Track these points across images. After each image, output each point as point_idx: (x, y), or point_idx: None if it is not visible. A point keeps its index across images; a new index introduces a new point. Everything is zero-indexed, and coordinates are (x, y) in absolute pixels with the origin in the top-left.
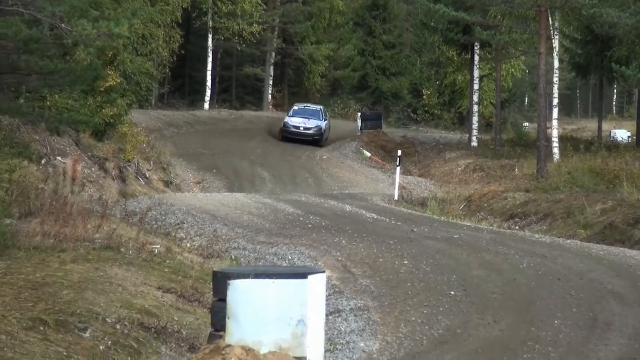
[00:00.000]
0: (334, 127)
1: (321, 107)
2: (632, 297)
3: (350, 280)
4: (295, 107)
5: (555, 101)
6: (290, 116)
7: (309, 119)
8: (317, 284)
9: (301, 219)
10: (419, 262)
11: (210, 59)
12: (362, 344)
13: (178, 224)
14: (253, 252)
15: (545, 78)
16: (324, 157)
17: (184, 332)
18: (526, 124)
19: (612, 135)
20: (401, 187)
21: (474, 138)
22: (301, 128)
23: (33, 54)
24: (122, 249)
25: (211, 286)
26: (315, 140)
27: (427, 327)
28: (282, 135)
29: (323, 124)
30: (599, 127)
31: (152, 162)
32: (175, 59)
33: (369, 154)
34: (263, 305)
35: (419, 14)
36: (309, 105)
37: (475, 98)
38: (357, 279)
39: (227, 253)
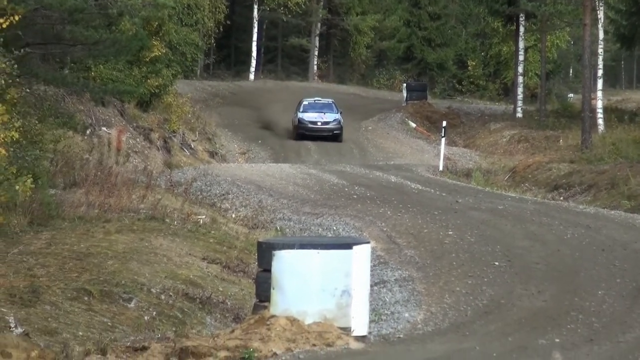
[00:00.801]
0: (379, 98)
1: (332, 100)
2: None
3: (395, 251)
4: (305, 102)
5: (600, 72)
6: (302, 112)
7: (324, 112)
8: (361, 254)
9: (346, 189)
10: (464, 233)
11: (255, 30)
12: (406, 315)
13: (223, 194)
14: (298, 223)
15: (590, 49)
16: (369, 128)
17: (228, 303)
18: (571, 95)
19: None
20: (446, 158)
21: (518, 109)
22: (319, 123)
23: (78, 24)
24: (167, 220)
25: (256, 257)
26: (336, 135)
27: (471, 298)
28: (296, 132)
29: (340, 117)
30: None
31: (197, 133)
32: (220, 29)
33: (414, 125)
34: (308, 275)
35: None
36: (319, 98)
37: (520, 69)
38: (402, 250)
39: (272, 224)
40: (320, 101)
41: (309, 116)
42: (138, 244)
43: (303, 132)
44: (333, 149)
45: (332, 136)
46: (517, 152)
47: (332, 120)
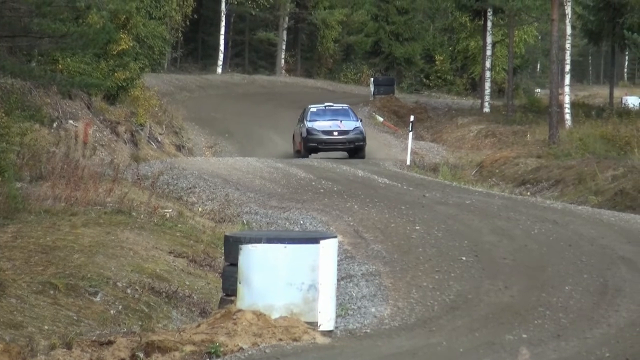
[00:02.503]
0: (347, 93)
1: (347, 105)
2: None
3: (362, 245)
4: (313, 109)
5: (568, 68)
6: (310, 120)
7: (340, 120)
8: (328, 249)
9: (313, 183)
10: (431, 227)
11: (223, 23)
12: (373, 309)
13: (190, 188)
14: (265, 217)
15: (558, 44)
16: None
17: (195, 297)
18: (538, 90)
19: (623, 101)
20: (413, 153)
21: (486, 104)
22: (335, 133)
23: (45, 17)
24: (134, 213)
25: (223, 251)
26: (358, 148)
27: (438, 293)
28: (305, 146)
29: (361, 125)
30: (611, 94)
31: (164, 126)
32: (188, 22)
33: (381, 119)
34: (275, 270)
35: None
36: (330, 104)
37: (488, 64)
38: (369, 244)
39: (239, 217)
40: (332, 106)
41: (320, 125)
42: (104, 237)
43: (314, 146)
44: None
45: (353, 150)
46: (485, 147)
47: (351, 129)
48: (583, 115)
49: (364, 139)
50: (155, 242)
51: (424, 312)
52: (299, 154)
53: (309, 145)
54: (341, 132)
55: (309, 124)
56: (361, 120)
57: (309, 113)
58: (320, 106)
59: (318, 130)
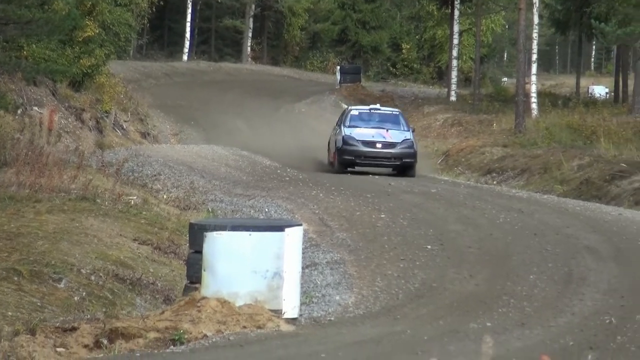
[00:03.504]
0: (313, 81)
1: (397, 110)
2: (607, 252)
3: (327, 233)
4: (354, 112)
5: (535, 57)
6: (348, 126)
7: (386, 128)
8: (293, 237)
9: (278, 171)
10: (396, 216)
11: (189, 11)
12: (337, 297)
13: (155, 175)
14: (230, 205)
15: (525, 34)
16: (303, 110)
17: (159, 284)
18: (505, 79)
19: (590, 91)
20: None
21: (452, 93)
22: (379, 145)
23: (11, 3)
24: (98, 200)
25: (187, 238)
26: (406, 166)
27: (403, 281)
28: (339, 159)
29: (412, 136)
30: (577, 83)
31: (129, 114)
32: (154, 9)
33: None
34: (239, 257)
35: None
36: (377, 106)
37: (455, 53)
38: (333, 232)
39: (204, 205)
40: (378, 110)
41: (361, 133)
42: (69, 224)
43: (351, 160)
44: (266, 131)
45: (400, 168)
46: (451, 136)
47: (399, 141)
48: (549, 104)
49: (414, 155)
50: (120, 229)
51: (389, 301)
52: (332, 166)
53: (344, 159)
54: (386, 145)
55: (346, 131)
56: (414, 131)
57: (349, 116)
58: (364, 109)
59: (357, 140)
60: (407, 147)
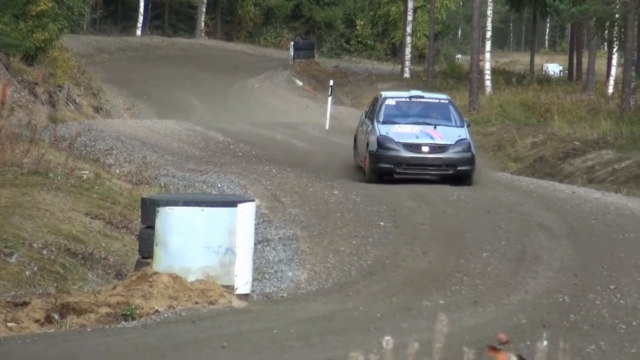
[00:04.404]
0: (267, 56)
1: (447, 97)
2: (560, 230)
3: (279, 209)
4: (389, 101)
5: (489, 34)
6: (382, 122)
7: (434, 125)
8: (246, 212)
9: (231, 147)
10: (349, 192)
11: None
12: (290, 274)
13: (107, 150)
14: (182, 180)
15: (479, 11)
16: (256, 86)
17: (111, 259)
18: (459, 56)
19: (544, 69)
20: (333, 117)
21: (406, 69)
22: (424, 148)
23: None
24: (51, 174)
25: (140, 213)
26: (462, 174)
27: (355, 258)
28: (373, 168)
29: (468, 133)
30: (532, 61)
31: (82, 88)
32: None
33: (301, 84)
34: (191, 233)
35: None
36: (418, 93)
37: (409, 29)
38: (286, 208)
39: (156, 180)
40: (421, 98)
41: (401, 133)
42: (21, 198)
43: (389, 168)
44: (219, 107)
45: (454, 177)
46: None
47: (452, 142)
48: (503, 81)
49: (472, 161)
50: (72, 204)
51: (341, 277)
52: (361, 170)
53: (380, 167)
54: (435, 148)
55: (381, 129)
56: (469, 125)
57: (383, 107)
58: (402, 96)
59: (397, 142)
60: (463, 150)
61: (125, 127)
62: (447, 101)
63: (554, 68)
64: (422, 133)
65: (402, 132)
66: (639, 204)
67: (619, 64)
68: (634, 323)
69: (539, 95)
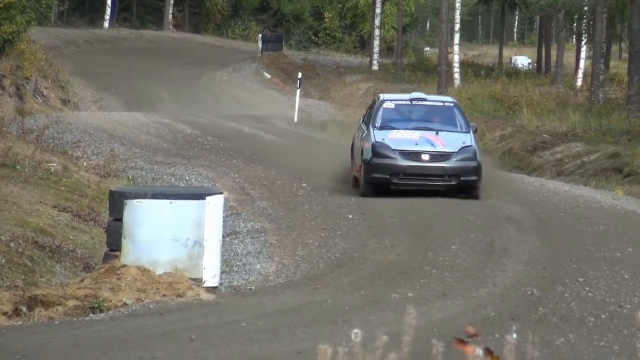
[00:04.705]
0: (235, 49)
1: (451, 100)
2: (529, 223)
3: (248, 202)
4: (387, 104)
5: (457, 27)
6: (379, 127)
7: (436, 130)
8: (214, 205)
9: (200, 139)
10: (318, 185)
11: None
12: (258, 266)
13: (75, 142)
14: (150, 172)
15: (448, 3)
16: (224, 78)
17: (79, 252)
18: (427, 49)
19: (512, 61)
20: (301, 110)
21: (375, 62)
22: (424, 157)
23: None
24: (18, 167)
25: (108, 206)
26: (467, 186)
27: (324, 251)
28: (368, 178)
29: (473, 139)
30: (500, 54)
31: (50, 80)
32: None
33: (269, 76)
34: (160, 225)
35: None
36: (420, 95)
37: (377, 22)
38: (254, 201)
39: (124, 173)
40: (423, 101)
41: (398, 139)
42: None
43: (384, 179)
44: (187, 99)
45: (457, 188)
46: None
47: (456, 149)
48: (472, 74)
49: (477, 170)
50: (40, 196)
51: (310, 270)
52: (357, 182)
53: (374, 178)
54: (436, 156)
55: (377, 135)
56: (475, 131)
57: (381, 111)
58: (403, 99)
59: (393, 150)
60: (468, 158)
61: (93, 119)
62: (452, 104)
63: (522, 61)
64: (423, 139)
65: (400, 139)
66: (607, 197)
67: (587, 57)
68: (603, 316)
69: (508, 88)
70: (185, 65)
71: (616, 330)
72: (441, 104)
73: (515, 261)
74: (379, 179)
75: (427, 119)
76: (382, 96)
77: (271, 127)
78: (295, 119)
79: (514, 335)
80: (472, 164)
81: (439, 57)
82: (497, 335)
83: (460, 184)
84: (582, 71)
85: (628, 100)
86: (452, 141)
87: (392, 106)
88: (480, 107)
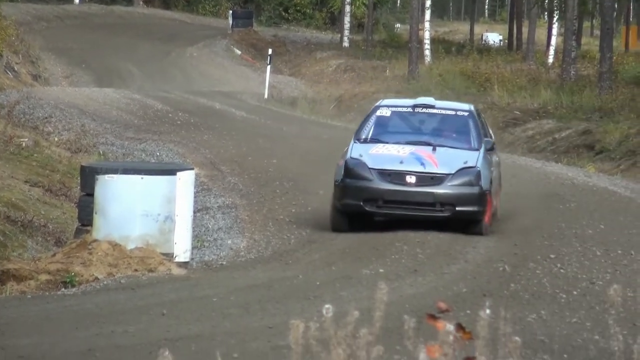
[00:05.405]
0: (205, 25)
1: (470, 108)
2: (501, 200)
3: (218, 177)
4: (382, 110)
5: (428, 3)
6: (360, 140)
7: (433, 145)
8: (185, 180)
9: (170, 115)
10: (289, 161)
11: None
12: (229, 242)
13: (46, 118)
14: (121, 148)
15: None
16: (194, 54)
17: (50, 226)
18: (398, 25)
19: (484, 38)
20: (271, 86)
21: (345, 38)
22: (409, 178)
23: None
24: None
25: (79, 181)
26: (463, 216)
27: (295, 226)
28: (336, 203)
29: (481, 158)
30: (471, 30)
31: (21, 56)
32: None
33: (239, 53)
34: (131, 201)
35: None
36: (428, 101)
37: None
38: (225, 177)
39: (95, 148)
40: (429, 108)
41: (380, 155)
42: None
43: (355, 206)
44: (157, 75)
45: (453, 221)
46: (344, 82)
47: (452, 170)
48: (443, 51)
49: (480, 199)
50: (11, 171)
51: (281, 245)
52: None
53: (345, 204)
54: (424, 178)
55: (354, 150)
56: (491, 148)
57: (373, 119)
58: (404, 105)
59: (370, 169)
60: (467, 182)
61: (64, 95)
62: (467, 113)
63: (493, 37)
64: (411, 157)
65: (382, 155)
66: (579, 174)
67: (559, 34)
68: (575, 292)
69: (479, 64)
70: (156, 41)
71: (588, 306)
72: (452, 112)
73: (486, 238)
74: (351, 206)
75: (431, 131)
76: (381, 101)
77: (242, 103)
78: (266, 96)
79: (487, 311)
80: (472, 190)
81: (410, 33)
82: (468, 312)
83: (456, 216)
84: (553, 48)
85: (600, 77)
86: (450, 160)
87: (388, 114)
88: (451, 84)
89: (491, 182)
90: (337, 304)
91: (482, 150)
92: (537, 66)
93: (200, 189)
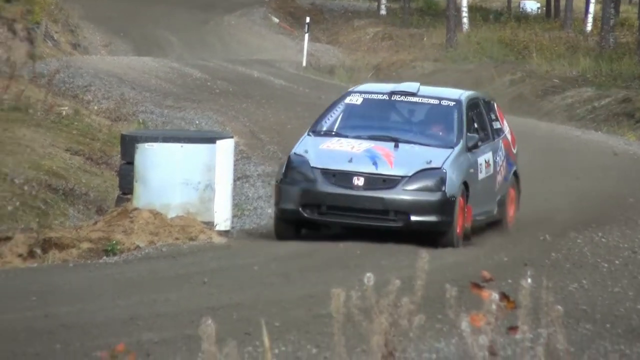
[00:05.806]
0: None
1: (458, 97)
2: (540, 168)
3: (258, 146)
4: (354, 97)
5: None
6: (314, 133)
7: (396, 142)
8: (225, 149)
9: (209, 84)
10: None
11: None
12: (269, 210)
13: (86, 86)
14: (161, 117)
15: None
16: (232, 22)
17: (91, 195)
18: None
19: (521, 6)
20: (309, 54)
21: (382, 6)
22: (356, 180)
23: None
24: (31, 111)
25: (119, 149)
26: (420, 227)
27: None
28: (275, 209)
29: (451, 159)
30: None
31: (60, 25)
32: None
33: (277, 21)
34: (171, 169)
35: None
36: (410, 87)
37: None
38: (265, 145)
39: (134, 117)
40: (407, 95)
41: (329, 151)
42: (1, 134)
43: (292, 212)
44: (196, 44)
45: (406, 230)
46: (381, 50)
47: (409, 172)
48: (481, 19)
49: (441, 206)
50: (52, 140)
51: None
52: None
53: (282, 210)
54: (374, 181)
55: (301, 145)
56: (475, 145)
57: (339, 107)
58: (381, 91)
59: (312, 169)
60: (426, 187)
61: (103, 64)
62: (453, 103)
63: (531, 5)
64: (364, 154)
65: (331, 152)
66: (619, 142)
67: (597, 1)
68: (617, 262)
69: (517, 32)
70: (194, 9)
71: (630, 276)
72: (436, 102)
73: (526, 206)
74: (287, 213)
75: (403, 123)
76: (354, 87)
77: (280, 71)
78: (304, 64)
79: (529, 280)
80: (432, 196)
81: (448, 1)
82: (510, 281)
83: (409, 227)
84: (591, 16)
85: (639, 45)
86: (410, 159)
87: (359, 101)
88: (489, 52)
89: (467, 187)
90: (378, 273)
91: (457, 148)
92: (575, 34)
93: (240, 157)
